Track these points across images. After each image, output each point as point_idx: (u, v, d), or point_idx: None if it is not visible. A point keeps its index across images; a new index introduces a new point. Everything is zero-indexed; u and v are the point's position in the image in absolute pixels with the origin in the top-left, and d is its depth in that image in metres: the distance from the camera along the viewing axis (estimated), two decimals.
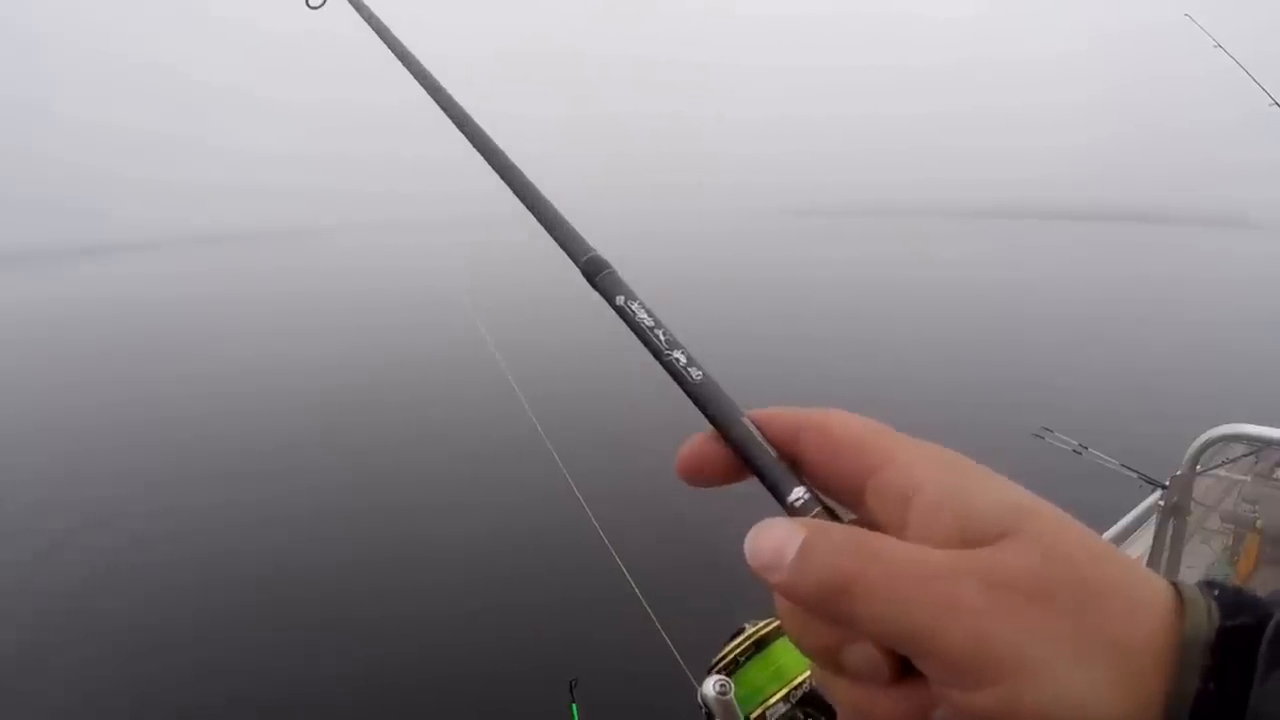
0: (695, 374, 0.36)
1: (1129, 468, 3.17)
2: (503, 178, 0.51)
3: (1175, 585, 0.29)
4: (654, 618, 2.72)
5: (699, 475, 0.35)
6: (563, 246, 0.44)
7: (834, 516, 0.32)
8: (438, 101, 0.62)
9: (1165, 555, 2.91)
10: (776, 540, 0.30)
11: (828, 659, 0.31)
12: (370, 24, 0.78)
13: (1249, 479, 3.41)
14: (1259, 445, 2.85)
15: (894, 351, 18.55)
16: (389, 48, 0.73)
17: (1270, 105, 4.11)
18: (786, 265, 42.99)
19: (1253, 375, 14.87)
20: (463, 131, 0.57)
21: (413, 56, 0.69)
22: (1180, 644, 0.26)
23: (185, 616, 7.09)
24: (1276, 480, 3.49)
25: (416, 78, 0.66)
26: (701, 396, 0.36)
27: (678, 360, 0.37)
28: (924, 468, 0.31)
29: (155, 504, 9.99)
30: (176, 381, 17.42)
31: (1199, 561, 3.19)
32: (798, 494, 0.32)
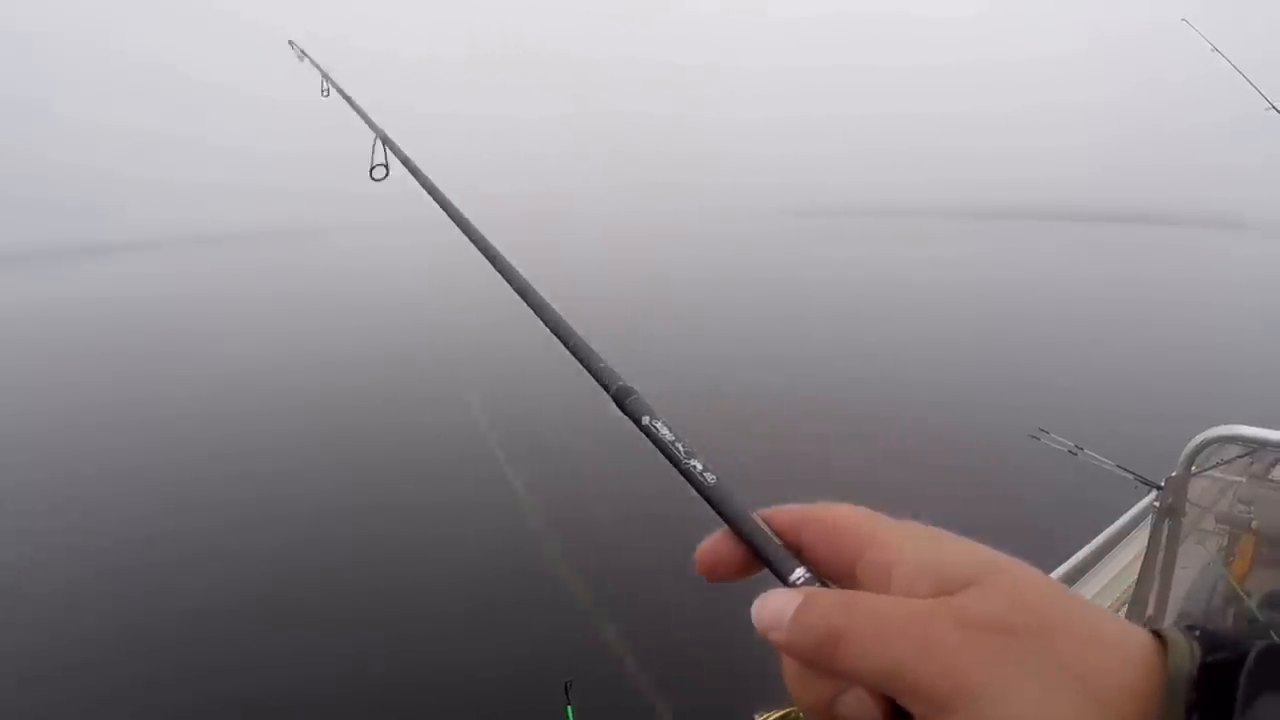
0: (710, 478, 0.41)
1: (1124, 469, 3.18)
2: (552, 331, 0.59)
3: (1157, 631, 0.32)
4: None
5: (715, 570, 0.40)
6: (597, 379, 0.51)
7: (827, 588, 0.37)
8: (490, 260, 0.72)
9: (1160, 556, 2.92)
10: (778, 604, 0.35)
11: (826, 711, 0.35)
12: (431, 194, 0.92)
13: (1244, 480, 3.42)
14: (1254, 446, 2.87)
15: (891, 351, 18.57)
16: (448, 214, 0.85)
17: (1267, 109, 4.12)
18: (786, 265, 43.02)
19: (1249, 376, 14.93)
20: (513, 286, 0.66)
21: (470, 223, 0.81)
22: (1166, 682, 0.30)
23: (179, 617, 7.08)
24: (1272, 481, 3.51)
25: (472, 240, 0.77)
26: (716, 498, 0.40)
27: (695, 467, 0.42)
28: (903, 541, 0.36)
29: (153, 504, 9.98)
30: (176, 382, 17.39)
31: (1194, 562, 3.20)
32: (799, 573, 0.37)
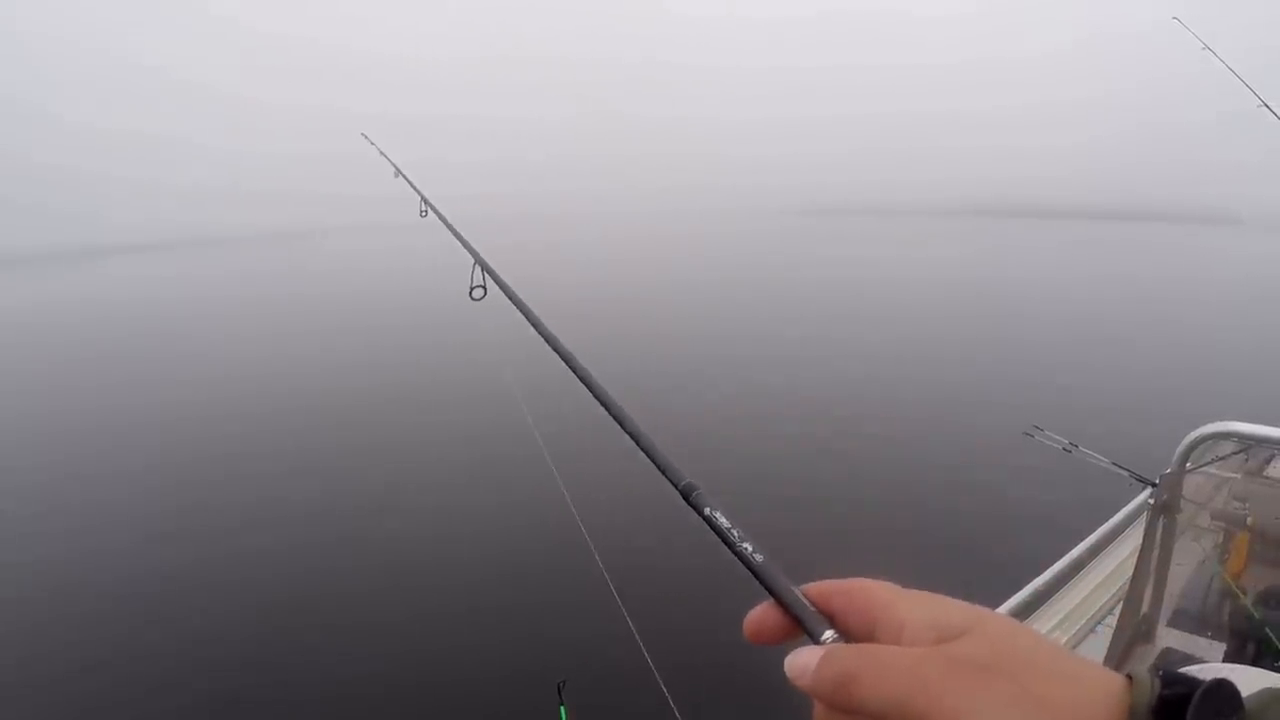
0: (759, 558, 0.49)
1: (1119, 466, 3.19)
2: (633, 439, 0.68)
3: (1129, 675, 0.38)
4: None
5: (760, 635, 0.48)
6: (665, 474, 0.61)
7: None
8: (585, 384, 0.83)
9: (1155, 553, 2.93)
10: (807, 656, 0.43)
11: None
12: (526, 315, 1.04)
13: (1239, 477, 3.43)
14: (1249, 443, 2.87)
15: (888, 349, 18.61)
16: (541, 335, 0.96)
17: (1259, 106, 4.15)
18: (787, 265, 43.05)
19: (1244, 373, 14.98)
20: (595, 396, 0.78)
21: (560, 342, 0.93)
22: (1129, 714, 0.36)
23: (177, 618, 7.07)
24: (1267, 478, 3.51)
25: (565, 361, 0.89)
26: (762, 573, 0.48)
27: (747, 549, 0.50)
28: (913, 605, 0.43)
29: (154, 506, 9.95)
30: (174, 385, 17.35)
31: (1189, 559, 3.21)
32: (828, 635, 0.44)
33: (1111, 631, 3.05)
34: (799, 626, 0.46)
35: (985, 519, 8.56)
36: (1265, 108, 4.04)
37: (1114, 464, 3.22)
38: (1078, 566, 3.62)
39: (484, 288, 1.27)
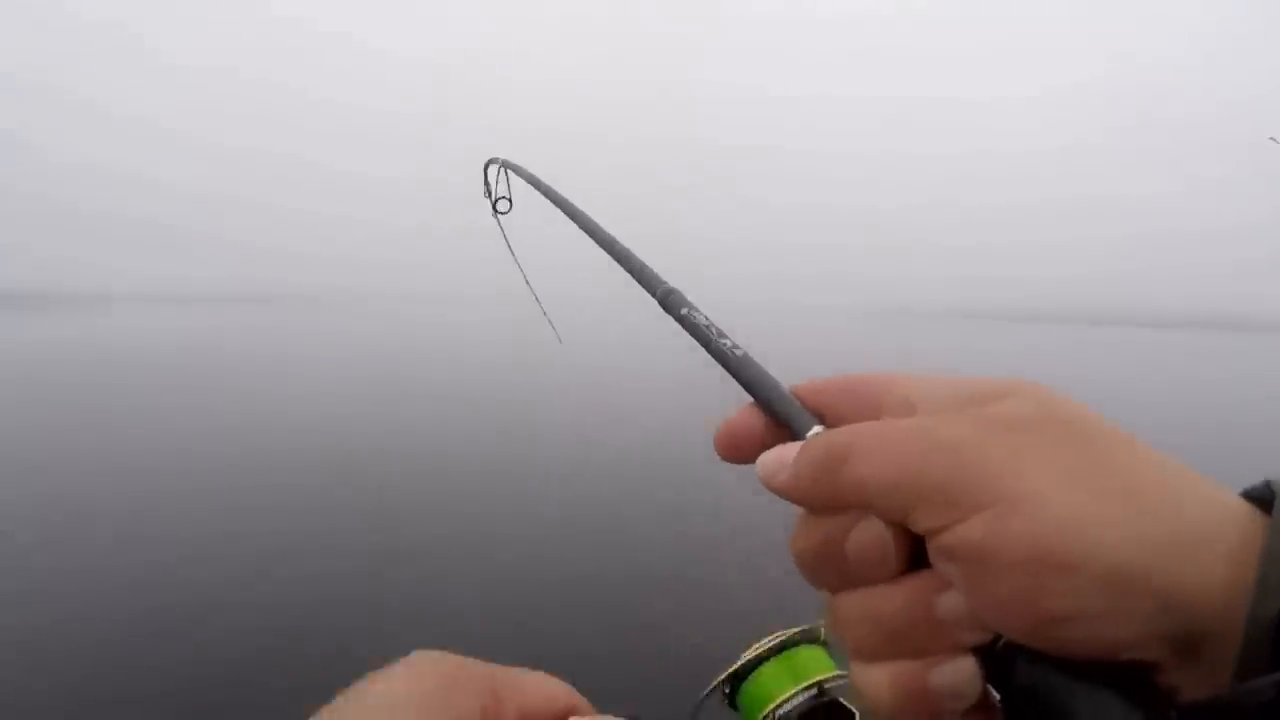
0: (738, 352, 0.41)
1: None
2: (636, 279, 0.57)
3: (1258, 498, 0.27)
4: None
5: (735, 441, 0.37)
6: (642, 283, 0.52)
7: None
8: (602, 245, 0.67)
9: None
10: (781, 453, 0.34)
11: (835, 557, 0.31)
12: (560, 204, 0.75)
13: None
14: None
15: None
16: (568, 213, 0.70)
17: None
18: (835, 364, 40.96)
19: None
20: (613, 256, 0.62)
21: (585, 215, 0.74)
22: (1269, 534, 0.25)
23: (175, 621, 6.65)
24: None
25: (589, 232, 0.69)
26: (738, 368, 0.40)
27: (724, 344, 0.42)
28: (930, 381, 0.34)
29: (169, 529, 9.66)
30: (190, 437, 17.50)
31: None
32: (815, 430, 0.35)
33: None
34: (784, 428, 0.36)
35: None
36: None
37: None
38: None
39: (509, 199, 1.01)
